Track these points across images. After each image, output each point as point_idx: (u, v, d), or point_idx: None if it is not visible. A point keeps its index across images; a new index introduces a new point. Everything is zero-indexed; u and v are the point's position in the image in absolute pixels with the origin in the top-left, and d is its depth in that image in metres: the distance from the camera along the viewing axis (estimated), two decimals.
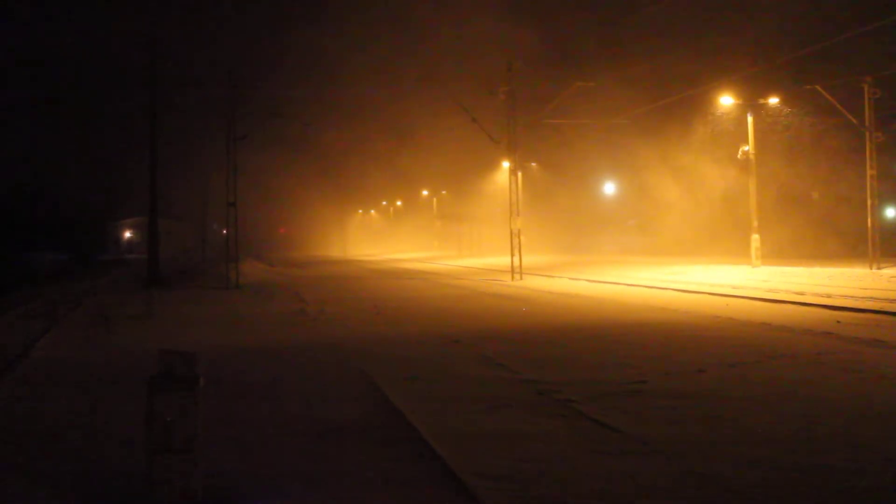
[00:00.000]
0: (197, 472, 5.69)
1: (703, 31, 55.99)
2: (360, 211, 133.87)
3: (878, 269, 29.92)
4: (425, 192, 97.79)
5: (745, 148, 34.19)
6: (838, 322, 16.51)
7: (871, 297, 20.65)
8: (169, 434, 5.57)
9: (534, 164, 67.66)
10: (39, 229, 61.94)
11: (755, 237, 33.61)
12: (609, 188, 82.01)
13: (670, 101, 32.53)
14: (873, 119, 31.60)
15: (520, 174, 38.31)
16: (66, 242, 61.72)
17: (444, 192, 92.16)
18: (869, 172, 31.70)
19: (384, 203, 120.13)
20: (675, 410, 8.82)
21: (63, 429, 8.63)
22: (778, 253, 41.78)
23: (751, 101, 35.05)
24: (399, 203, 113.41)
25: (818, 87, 32.24)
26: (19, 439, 8.28)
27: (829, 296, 21.43)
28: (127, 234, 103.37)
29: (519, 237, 35.36)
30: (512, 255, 34.49)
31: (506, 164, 41.40)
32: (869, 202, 31.75)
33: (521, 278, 33.80)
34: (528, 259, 45.77)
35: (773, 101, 37.65)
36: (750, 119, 34.53)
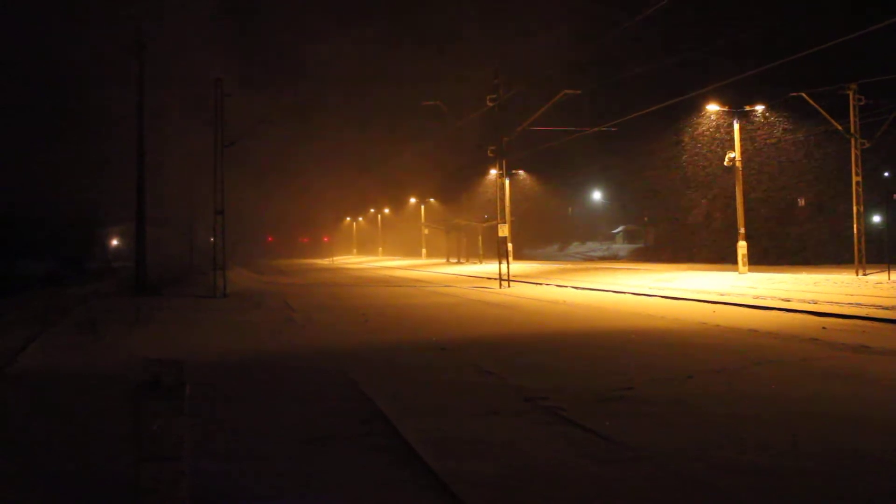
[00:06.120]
0: (185, 480, 5.68)
1: (690, 38, 56.34)
2: (349, 219, 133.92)
3: (864, 274, 30.08)
4: (413, 200, 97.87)
5: (732, 155, 34.34)
6: (824, 328, 16.62)
7: (857, 303, 20.77)
8: (156, 442, 5.56)
9: (521, 172, 67.75)
10: (25, 236, 61.45)
11: (742, 244, 33.74)
12: (597, 195, 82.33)
13: (657, 109, 32.53)
14: (858, 126, 31.83)
15: (507, 181, 38.37)
16: (54, 250, 61.26)
17: (431, 199, 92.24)
18: (854, 179, 31.90)
19: (372, 211, 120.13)
20: (663, 417, 8.85)
21: (51, 437, 8.60)
22: (764, 259, 41.98)
23: (737, 109, 35.26)
24: (387, 211, 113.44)
25: (804, 95, 32.43)
26: (7, 447, 8.24)
27: (815, 302, 21.55)
28: (114, 242, 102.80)
29: (507, 245, 35.39)
30: (500, 263, 34.51)
31: (493, 172, 41.51)
32: (855, 208, 31.94)
33: (509, 286, 33.83)
34: (517, 266, 45.83)
35: (760, 108, 37.90)
36: (736, 126, 34.71)
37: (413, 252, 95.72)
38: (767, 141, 45.16)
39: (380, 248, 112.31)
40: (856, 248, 31.43)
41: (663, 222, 61.73)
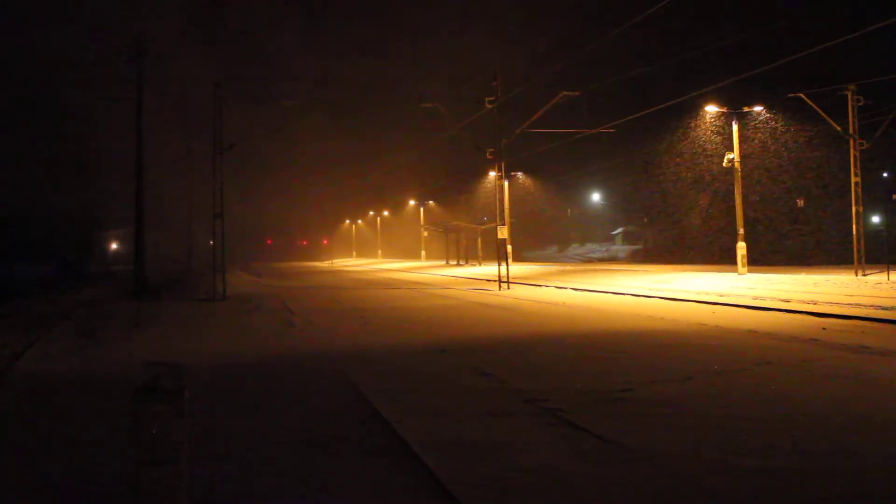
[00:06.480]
0: (184, 483, 5.67)
1: (689, 39, 56.38)
2: (348, 221, 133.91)
3: (864, 275, 30.07)
4: (412, 202, 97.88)
5: (731, 156, 34.33)
6: (824, 329, 16.62)
7: (857, 304, 20.77)
8: (155, 444, 5.55)
9: (520, 174, 67.73)
10: (25, 239, 61.39)
11: (741, 245, 33.73)
12: (596, 197, 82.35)
13: (655, 110, 32.54)
14: (857, 126, 31.83)
15: (506, 183, 38.38)
16: (53, 253, 61.23)
17: (430, 202, 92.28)
18: (853, 180, 31.90)
19: (371, 213, 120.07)
20: (662, 418, 8.84)
21: (51, 439, 8.59)
22: (764, 260, 41.98)
23: (736, 109, 35.24)
24: (386, 213, 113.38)
25: (802, 95, 32.41)
26: (7, 449, 8.23)
27: (814, 302, 21.55)
28: (113, 245, 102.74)
29: (506, 247, 35.39)
30: (499, 265, 34.52)
31: (492, 174, 41.51)
32: (854, 209, 31.94)
33: (509, 288, 33.82)
34: (516, 268, 45.81)
35: (758, 108, 37.89)
36: (735, 127, 34.71)
37: (412, 254, 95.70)
38: (767, 131, 45.05)
39: (379, 251, 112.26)
40: (855, 248, 31.43)
41: (662, 223, 61.73)
